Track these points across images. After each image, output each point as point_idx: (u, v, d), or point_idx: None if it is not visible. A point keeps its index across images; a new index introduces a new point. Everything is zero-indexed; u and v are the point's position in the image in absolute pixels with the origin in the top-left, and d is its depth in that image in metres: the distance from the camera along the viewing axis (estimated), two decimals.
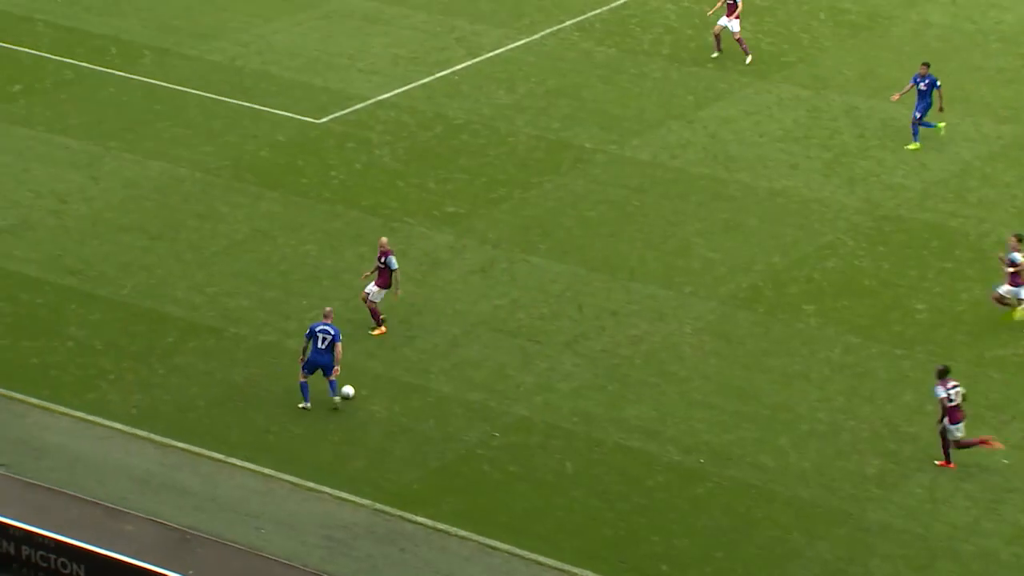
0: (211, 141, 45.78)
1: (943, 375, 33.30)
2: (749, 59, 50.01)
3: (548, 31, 52.60)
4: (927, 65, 45.56)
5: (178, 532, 31.34)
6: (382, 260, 37.32)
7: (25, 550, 29.77)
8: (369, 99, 47.95)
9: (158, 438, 34.19)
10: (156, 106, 47.66)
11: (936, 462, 33.46)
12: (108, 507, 32.02)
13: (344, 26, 52.59)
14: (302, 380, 34.70)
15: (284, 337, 37.52)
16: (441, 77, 49.35)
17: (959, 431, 33.13)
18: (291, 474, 33.16)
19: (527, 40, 51.97)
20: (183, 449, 33.78)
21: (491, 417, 34.98)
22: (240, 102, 47.77)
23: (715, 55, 49.81)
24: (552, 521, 32.23)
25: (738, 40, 49.95)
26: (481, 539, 31.62)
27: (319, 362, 34.54)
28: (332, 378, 34.79)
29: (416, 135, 46.32)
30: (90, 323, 37.86)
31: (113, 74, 49.39)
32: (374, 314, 37.36)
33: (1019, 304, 38.39)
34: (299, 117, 46.98)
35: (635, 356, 37.04)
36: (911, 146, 45.74)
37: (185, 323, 37.88)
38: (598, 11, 54.19)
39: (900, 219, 42.79)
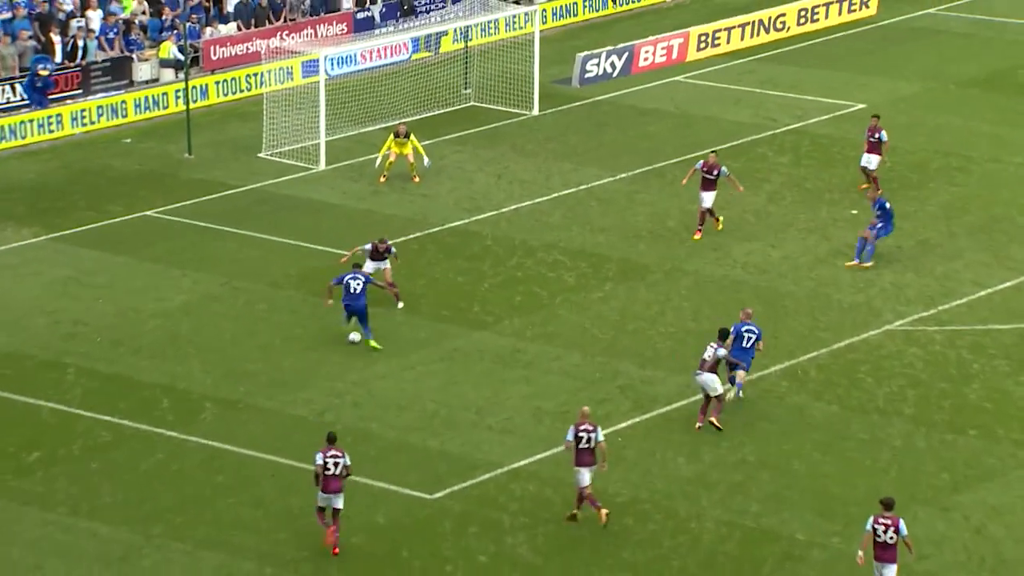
0: (287, 526, 39.07)
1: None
2: None
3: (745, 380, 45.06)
4: None
5: None
6: None
7: None
8: (501, 467, 41.46)
9: None
10: (217, 477, 41.05)
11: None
12: None
13: (471, 370, 45.93)
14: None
15: None
16: None
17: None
18: None
19: None
20: None
21: None
22: None
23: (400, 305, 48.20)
24: None
25: None
26: None
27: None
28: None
29: (562, 517, 39.65)
30: None
31: (163, 435, 42.87)
32: None
33: None
34: (406, 491, 40.59)
35: None
36: None
37: None
38: (814, 354, 46.65)
39: None
